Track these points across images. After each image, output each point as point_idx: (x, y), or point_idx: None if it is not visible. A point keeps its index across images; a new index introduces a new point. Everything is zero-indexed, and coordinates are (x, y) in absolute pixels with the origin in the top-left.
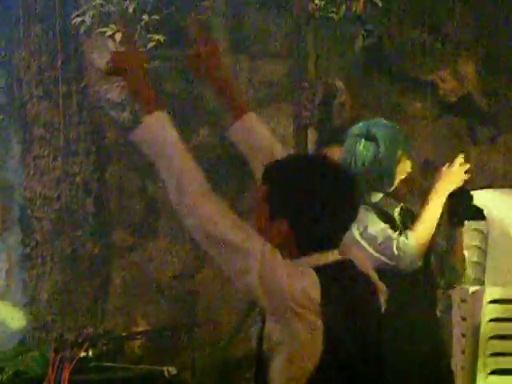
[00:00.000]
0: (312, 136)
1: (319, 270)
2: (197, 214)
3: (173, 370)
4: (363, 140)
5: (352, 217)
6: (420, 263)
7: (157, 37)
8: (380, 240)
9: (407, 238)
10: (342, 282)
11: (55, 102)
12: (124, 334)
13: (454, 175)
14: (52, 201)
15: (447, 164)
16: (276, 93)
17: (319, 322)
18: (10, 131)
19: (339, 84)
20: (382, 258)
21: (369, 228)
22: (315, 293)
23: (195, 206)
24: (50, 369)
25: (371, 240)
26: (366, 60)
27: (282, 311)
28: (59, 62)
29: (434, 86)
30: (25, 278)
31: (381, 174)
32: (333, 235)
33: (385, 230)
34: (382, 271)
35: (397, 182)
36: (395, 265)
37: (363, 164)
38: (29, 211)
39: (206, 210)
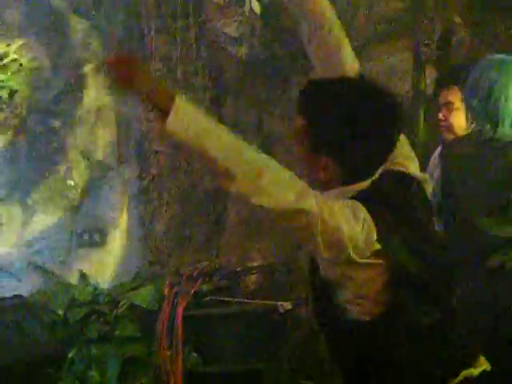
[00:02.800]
0: (431, 72)
1: (363, 193)
2: (245, 192)
3: (287, 305)
4: None
5: (395, 141)
6: None
7: None
8: None
9: None
10: (389, 193)
11: (173, 36)
12: (239, 268)
13: None
14: None
15: None
16: (394, 29)
17: (380, 261)
18: None
19: (458, 20)
20: None
21: None
22: (372, 231)
23: (242, 188)
24: (165, 303)
25: None
26: None
27: (342, 258)
28: None
29: None
30: (141, 212)
31: None
32: (378, 162)
33: None
34: None
35: None
36: None
37: None
38: (146, 145)
39: (254, 188)
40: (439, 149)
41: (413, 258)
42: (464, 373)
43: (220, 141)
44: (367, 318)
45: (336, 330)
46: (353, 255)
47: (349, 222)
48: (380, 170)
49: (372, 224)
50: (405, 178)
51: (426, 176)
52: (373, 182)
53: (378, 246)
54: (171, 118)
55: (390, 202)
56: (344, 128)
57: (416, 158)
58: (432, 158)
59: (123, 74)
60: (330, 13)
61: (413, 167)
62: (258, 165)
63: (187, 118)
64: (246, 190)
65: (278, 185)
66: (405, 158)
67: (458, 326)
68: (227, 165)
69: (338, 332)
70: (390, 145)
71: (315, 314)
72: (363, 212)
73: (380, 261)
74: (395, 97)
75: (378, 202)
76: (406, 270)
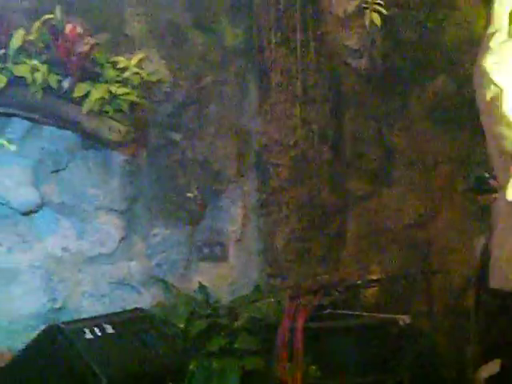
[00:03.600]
0: None
1: None
2: None
3: (407, 319)
4: None
5: None
6: None
7: None
8: None
9: None
10: None
11: (293, 48)
12: (358, 281)
13: None
14: (288, 148)
15: None
16: None
17: None
18: (247, 77)
19: None
20: None
21: None
22: None
23: None
24: (285, 316)
25: None
26: None
27: None
28: (297, 9)
29: None
30: (261, 225)
31: None
32: None
33: None
34: None
35: None
36: None
37: None
38: (265, 158)
39: None
40: None
41: None
42: None
43: None
44: None
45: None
46: None
47: None
48: None
49: None
50: None
51: None
52: None
53: None
54: None
55: None
56: None
57: None
58: None
59: None
60: None
61: None
62: None
63: None
64: None
65: None
66: None
67: None
68: None
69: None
70: None
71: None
72: None
73: None
74: None
75: None
76: None
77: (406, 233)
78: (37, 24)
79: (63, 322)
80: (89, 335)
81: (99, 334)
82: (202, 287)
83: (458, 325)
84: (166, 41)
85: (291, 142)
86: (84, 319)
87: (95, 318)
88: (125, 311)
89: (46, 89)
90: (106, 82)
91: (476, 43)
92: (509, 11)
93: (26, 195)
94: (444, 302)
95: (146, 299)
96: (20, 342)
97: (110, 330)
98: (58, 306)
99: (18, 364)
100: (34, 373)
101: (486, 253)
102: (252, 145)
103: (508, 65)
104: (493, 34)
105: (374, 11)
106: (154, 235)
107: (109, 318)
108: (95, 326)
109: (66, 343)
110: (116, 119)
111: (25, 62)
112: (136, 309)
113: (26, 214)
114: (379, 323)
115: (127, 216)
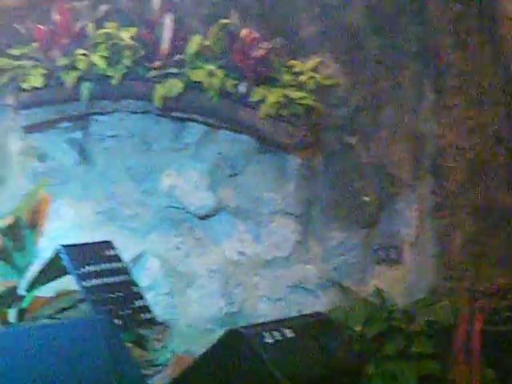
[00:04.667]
0: None
1: None
2: None
3: None
4: None
5: None
6: None
7: None
8: None
9: None
10: None
11: (469, 51)
12: None
13: None
14: (464, 151)
15: None
16: None
17: None
18: (423, 81)
19: None
20: None
21: None
22: None
23: None
24: (462, 318)
25: None
26: None
27: None
28: (474, 12)
29: None
30: (436, 228)
31: None
32: None
33: None
34: None
35: None
36: None
37: None
38: (441, 161)
39: None
40: None
41: None
42: None
43: None
44: None
45: None
46: None
47: None
48: None
49: None
50: None
51: None
52: None
53: None
54: None
55: None
56: None
57: None
58: None
59: None
60: None
61: None
62: None
63: None
64: None
65: None
66: None
67: None
68: None
69: None
70: None
71: None
72: None
73: None
74: None
75: None
76: None
77: None
78: (213, 29)
79: (242, 327)
80: (268, 339)
81: (279, 338)
82: (378, 290)
83: None
84: (341, 44)
85: (467, 145)
86: (262, 323)
87: (274, 322)
88: (303, 315)
89: (223, 93)
90: (282, 86)
91: None
92: None
93: (202, 199)
94: None
95: (322, 303)
96: (197, 346)
97: (289, 334)
98: (234, 309)
99: (199, 368)
100: (215, 377)
101: None
102: (427, 148)
103: None
104: None
105: None
106: (331, 238)
107: (287, 321)
108: (274, 330)
109: (246, 347)
110: (292, 123)
111: (201, 67)
112: (315, 313)
113: (203, 218)
114: None
115: (303, 219)
